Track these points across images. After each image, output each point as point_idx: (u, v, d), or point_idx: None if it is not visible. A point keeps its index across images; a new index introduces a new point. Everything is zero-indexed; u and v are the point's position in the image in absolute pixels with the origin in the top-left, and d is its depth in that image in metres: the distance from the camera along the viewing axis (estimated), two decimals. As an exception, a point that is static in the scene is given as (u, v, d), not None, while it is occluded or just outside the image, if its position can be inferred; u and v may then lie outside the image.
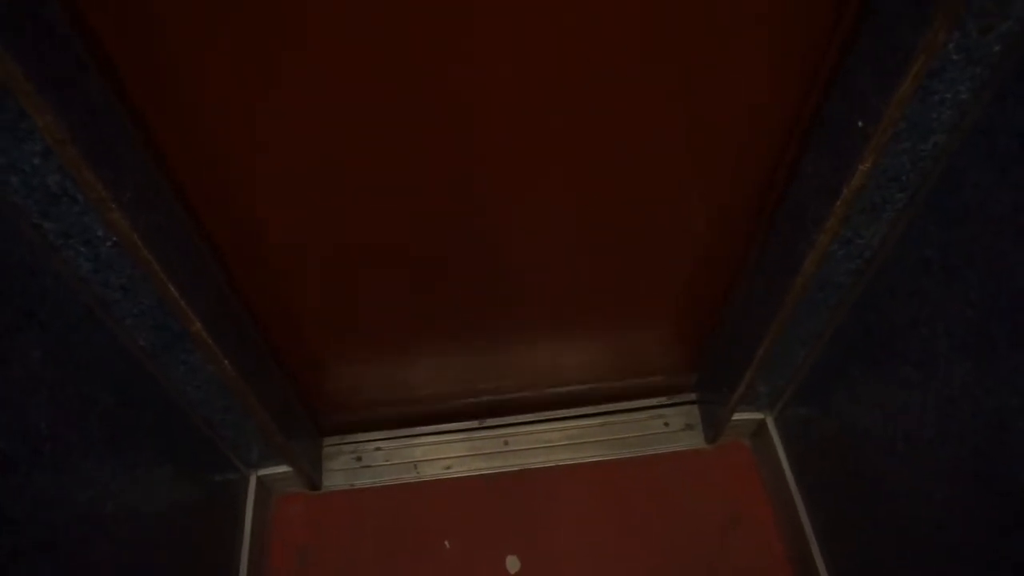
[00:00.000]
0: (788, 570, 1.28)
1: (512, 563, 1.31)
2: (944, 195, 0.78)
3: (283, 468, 1.31)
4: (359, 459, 1.42)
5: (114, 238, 0.72)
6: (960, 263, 0.77)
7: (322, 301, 1.07)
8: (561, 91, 0.78)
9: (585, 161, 0.88)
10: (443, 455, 1.42)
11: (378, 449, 1.43)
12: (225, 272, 0.95)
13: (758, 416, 1.37)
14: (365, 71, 0.72)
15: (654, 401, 1.46)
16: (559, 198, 0.94)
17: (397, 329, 1.17)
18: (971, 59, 0.66)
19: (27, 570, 0.67)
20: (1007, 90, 0.67)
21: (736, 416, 1.35)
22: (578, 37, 0.72)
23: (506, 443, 1.43)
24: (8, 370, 0.67)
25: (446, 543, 1.33)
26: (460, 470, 1.41)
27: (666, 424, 1.45)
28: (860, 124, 0.74)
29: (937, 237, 0.80)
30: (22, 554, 0.67)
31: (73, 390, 0.77)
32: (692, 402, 1.47)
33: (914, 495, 0.92)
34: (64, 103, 0.59)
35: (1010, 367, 0.71)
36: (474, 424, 1.44)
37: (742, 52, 0.76)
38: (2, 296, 0.66)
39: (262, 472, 1.32)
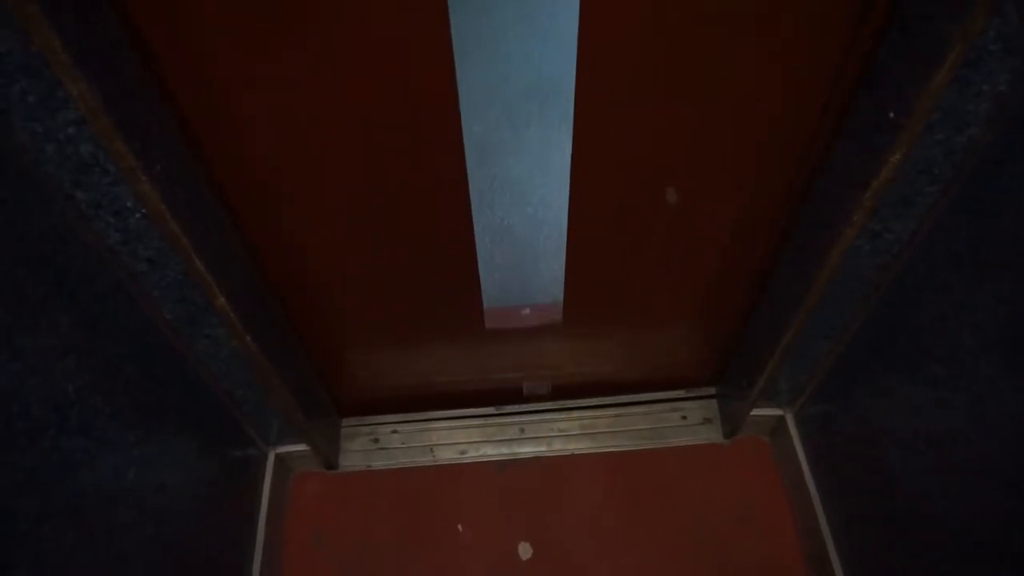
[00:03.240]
0: (803, 568, 1.27)
1: (524, 550, 1.31)
2: (978, 189, 0.77)
3: (301, 447, 1.33)
4: (376, 441, 1.43)
5: (143, 209, 0.73)
6: (991, 259, 0.76)
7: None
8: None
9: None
10: (459, 440, 1.43)
11: (395, 432, 1.44)
12: (251, 250, 0.96)
13: (777, 412, 1.36)
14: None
15: (672, 394, 1.46)
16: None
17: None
18: (1009, 49, 0.65)
19: (54, 532, 0.69)
20: (1047, 82, 0.65)
21: (755, 411, 1.34)
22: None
23: (522, 430, 1.44)
24: (39, 336, 0.69)
25: (459, 527, 1.34)
26: (475, 455, 1.41)
27: (684, 417, 1.44)
28: (892, 115, 0.73)
29: (968, 232, 0.79)
30: (49, 517, 0.68)
31: (100, 358, 0.79)
32: (711, 396, 1.46)
33: (936, 495, 0.90)
34: (99, 75, 0.61)
35: (1040, 366, 0.70)
36: (491, 410, 1.45)
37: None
38: (35, 263, 0.68)
39: (281, 450, 1.33)
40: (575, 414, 1.45)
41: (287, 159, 0.84)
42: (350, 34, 0.70)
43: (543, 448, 1.42)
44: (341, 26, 0.69)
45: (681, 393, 1.45)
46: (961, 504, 0.85)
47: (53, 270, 0.71)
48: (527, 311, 1.12)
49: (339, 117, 0.79)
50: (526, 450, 1.42)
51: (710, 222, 1.01)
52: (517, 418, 1.45)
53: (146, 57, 0.68)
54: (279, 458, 1.34)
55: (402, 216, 0.95)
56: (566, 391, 1.44)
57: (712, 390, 1.46)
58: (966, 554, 0.85)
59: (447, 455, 1.42)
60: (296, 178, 0.87)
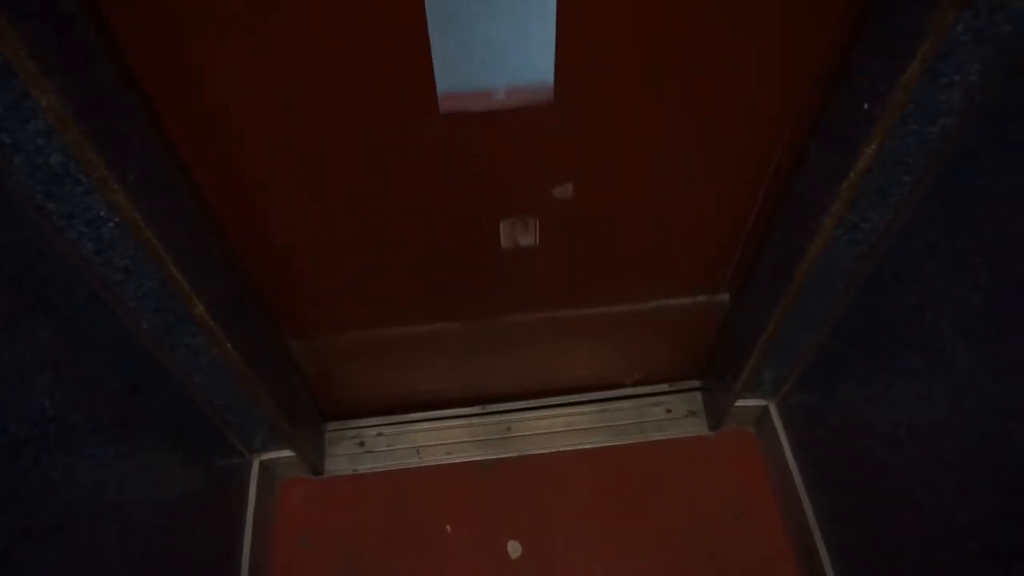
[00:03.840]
0: (790, 558, 1.29)
1: (513, 548, 1.31)
2: (952, 179, 0.78)
3: (286, 453, 1.31)
4: (361, 444, 1.42)
5: (116, 219, 0.72)
6: (967, 248, 0.77)
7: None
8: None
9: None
10: (445, 440, 1.42)
11: (380, 434, 1.43)
12: (232, 257, 0.95)
13: (761, 403, 1.37)
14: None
15: (657, 388, 1.46)
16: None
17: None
18: (980, 40, 0.65)
19: (36, 549, 0.68)
20: (1018, 72, 0.66)
21: (739, 403, 1.35)
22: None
23: (508, 429, 1.43)
24: (16, 351, 0.67)
25: (448, 528, 1.34)
26: (462, 455, 1.41)
27: (668, 411, 1.45)
28: (866, 106, 0.73)
29: (944, 221, 0.80)
30: (31, 533, 0.67)
31: (79, 372, 0.77)
32: (695, 389, 1.47)
33: (918, 485, 0.92)
34: (70, 84, 0.59)
35: (1018, 354, 0.71)
36: (476, 410, 1.45)
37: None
38: (10, 278, 0.67)
39: (265, 457, 1.32)
40: (561, 411, 1.45)
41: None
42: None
43: (529, 446, 1.42)
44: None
45: (665, 387, 1.46)
46: (946, 497, 0.86)
47: (29, 283, 0.69)
48: (502, 94, 0.81)
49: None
50: (513, 449, 1.42)
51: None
52: (502, 416, 1.45)
53: (122, 64, 0.67)
54: (264, 465, 1.32)
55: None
56: (551, 389, 1.44)
57: (696, 383, 1.47)
58: (951, 547, 0.86)
59: (433, 456, 1.41)
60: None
